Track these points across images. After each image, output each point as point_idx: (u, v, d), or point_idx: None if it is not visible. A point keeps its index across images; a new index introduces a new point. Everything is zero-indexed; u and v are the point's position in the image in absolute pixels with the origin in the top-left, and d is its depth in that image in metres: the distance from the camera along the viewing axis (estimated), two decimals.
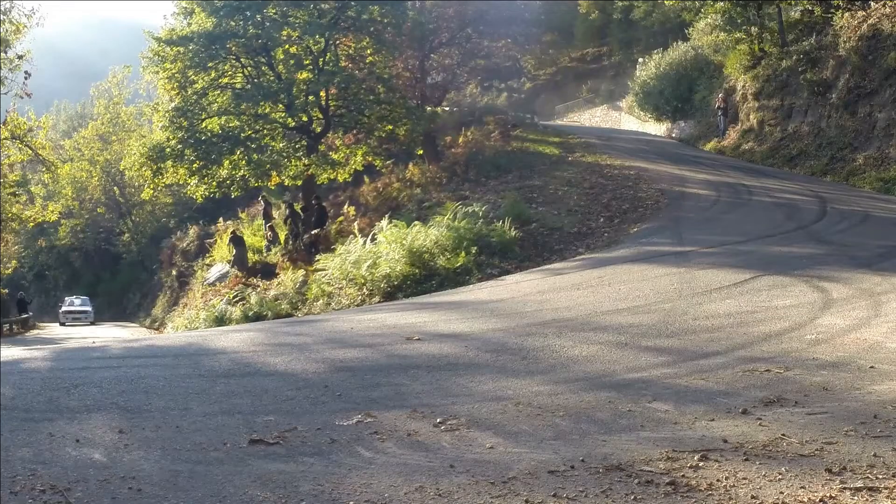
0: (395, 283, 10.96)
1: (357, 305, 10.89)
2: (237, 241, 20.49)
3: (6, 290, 28.89)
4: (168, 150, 18.54)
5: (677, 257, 9.33)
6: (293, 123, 19.54)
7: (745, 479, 2.86)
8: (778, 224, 11.60)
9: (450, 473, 3.03)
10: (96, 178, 41.40)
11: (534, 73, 36.86)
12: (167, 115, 18.89)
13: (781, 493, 2.73)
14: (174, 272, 33.23)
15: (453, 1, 22.73)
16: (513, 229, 11.96)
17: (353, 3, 19.67)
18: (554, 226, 12.73)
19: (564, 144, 23.40)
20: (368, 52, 20.70)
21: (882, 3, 17.54)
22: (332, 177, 20.95)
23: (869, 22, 17.54)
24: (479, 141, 22.78)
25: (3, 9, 21.49)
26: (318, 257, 14.75)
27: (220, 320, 13.51)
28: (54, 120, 40.39)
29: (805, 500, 2.67)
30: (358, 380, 4.70)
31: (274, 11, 19.14)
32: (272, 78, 19.25)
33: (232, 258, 20.87)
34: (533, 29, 25.33)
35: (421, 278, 10.93)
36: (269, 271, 17.52)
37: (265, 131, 19.81)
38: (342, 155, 21.02)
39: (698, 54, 26.54)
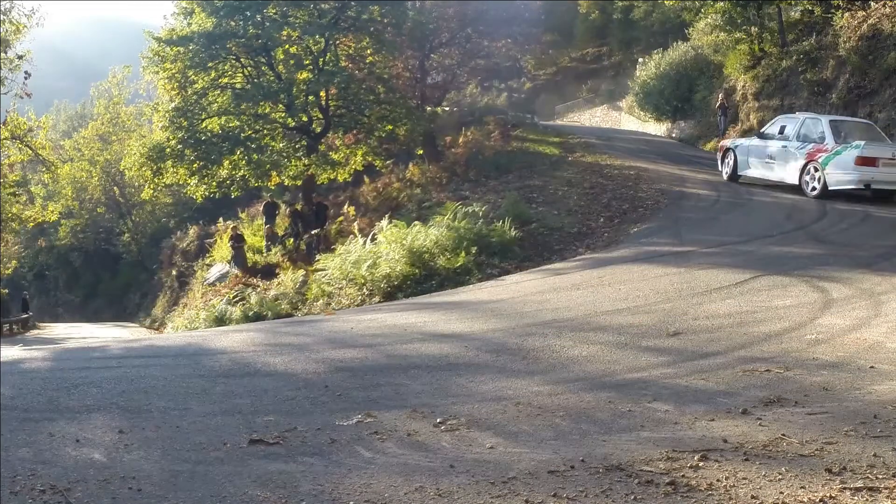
0: (396, 283, 10.95)
1: (357, 305, 10.89)
2: (238, 239, 20.50)
3: (6, 290, 28.93)
4: (168, 150, 18.55)
5: (677, 257, 9.33)
6: (293, 123, 19.55)
7: (745, 479, 2.86)
8: (778, 224, 11.61)
9: (450, 473, 3.03)
10: (96, 178, 41.32)
11: (534, 73, 36.78)
12: (167, 115, 18.89)
13: (781, 493, 2.73)
14: (174, 272, 33.23)
15: (453, 1, 22.73)
16: (513, 229, 11.96)
17: (353, 3, 19.67)
18: (554, 226, 12.73)
19: (564, 144, 23.39)
20: (368, 52, 20.71)
21: (882, 3, 17.54)
22: (332, 177, 20.95)
23: (869, 22, 17.54)
24: (479, 141, 22.77)
25: (3, 9, 21.49)
26: (318, 257, 14.76)
27: (220, 320, 13.50)
28: (54, 120, 40.30)
29: (805, 500, 2.67)
30: (358, 380, 4.70)
31: (274, 11, 19.14)
32: (272, 78, 19.26)
33: (231, 258, 20.88)
34: (533, 29, 25.31)
35: (421, 278, 10.92)
36: (269, 271, 17.52)
37: (265, 131, 19.82)
38: (342, 155, 21.03)
39: (698, 54, 26.52)
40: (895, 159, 13.01)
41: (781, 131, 14.87)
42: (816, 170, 13.68)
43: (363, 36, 20.17)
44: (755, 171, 15.50)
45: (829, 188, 13.46)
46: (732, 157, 16.07)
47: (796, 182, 14.20)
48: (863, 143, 13.23)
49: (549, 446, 3.33)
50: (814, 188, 13.71)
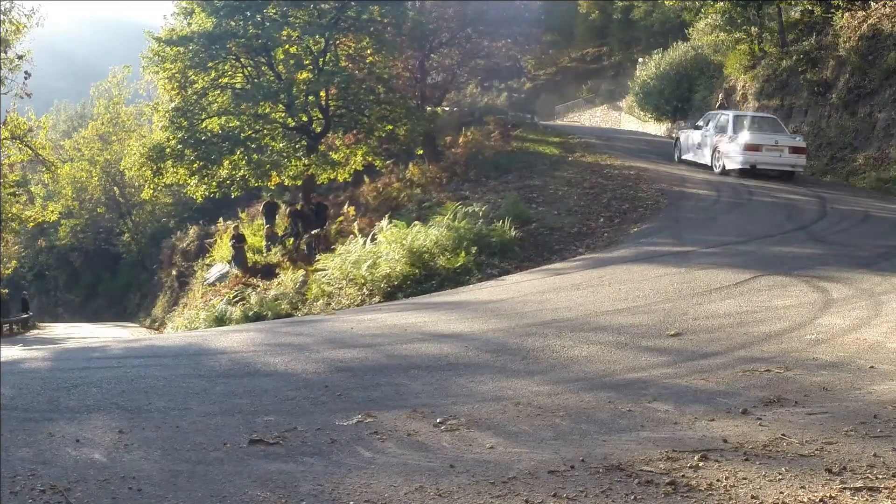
0: (395, 283, 10.96)
1: (357, 305, 10.89)
2: (238, 239, 20.49)
3: (6, 290, 28.92)
4: (168, 150, 18.55)
5: (677, 257, 9.33)
6: (293, 123, 19.55)
7: (745, 479, 2.86)
8: (778, 224, 11.61)
9: (450, 473, 3.03)
10: (96, 178, 41.28)
11: (534, 73, 36.73)
12: (167, 115, 18.89)
13: (781, 493, 2.73)
14: (174, 272, 33.22)
15: (453, 1, 22.71)
16: (513, 229, 11.96)
17: (353, 3, 19.66)
18: (554, 226, 12.73)
19: (564, 144, 23.38)
20: (368, 52, 20.69)
21: (882, 3, 17.55)
22: (332, 177, 20.96)
23: (869, 22, 17.54)
24: (479, 141, 22.74)
25: (3, 9, 21.48)
26: (318, 257, 14.75)
27: (220, 320, 13.50)
28: (54, 120, 40.24)
29: (805, 500, 2.67)
30: (358, 380, 4.70)
31: (274, 11, 19.14)
32: (272, 78, 19.25)
33: (231, 258, 20.87)
34: (533, 29, 25.27)
35: (421, 278, 10.93)
36: (269, 271, 17.51)
37: (265, 131, 19.82)
38: (342, 155, 21.02)
39: (698, 54, 26.53)
40: (778, 146, 16.06)
41: (706, 123, 18.32)
42: (718, 153, 17.10)
43: (363, 36, 20.16)
44: (690, 154, 18.89)
45: (727, 168, 16.71)
46: (679, 144, 19.92)
47: (709, 163, 17.54)
48: (749, 132, 16.17)
49: (549, 446, 3.33)
50: (716, 167, 17.20)
